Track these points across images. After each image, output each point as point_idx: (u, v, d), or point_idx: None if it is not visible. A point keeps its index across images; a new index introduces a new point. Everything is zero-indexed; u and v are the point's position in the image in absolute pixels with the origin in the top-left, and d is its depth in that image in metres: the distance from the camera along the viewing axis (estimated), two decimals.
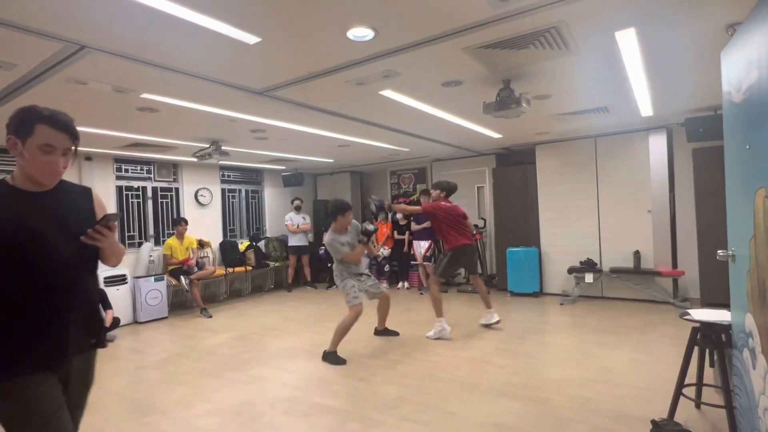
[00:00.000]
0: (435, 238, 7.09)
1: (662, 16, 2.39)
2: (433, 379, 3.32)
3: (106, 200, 5.96)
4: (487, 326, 4.62)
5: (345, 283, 3.99)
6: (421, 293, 6.90)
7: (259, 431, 2.61)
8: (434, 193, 4.94)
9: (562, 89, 3.72)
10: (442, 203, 4.72)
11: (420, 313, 5.57)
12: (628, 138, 5.73)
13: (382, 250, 7.46)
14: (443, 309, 4.44)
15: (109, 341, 4.98)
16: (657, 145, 5.57)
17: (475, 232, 6.87)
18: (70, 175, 6.19)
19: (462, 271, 7.39)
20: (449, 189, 4.89)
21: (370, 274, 4.30)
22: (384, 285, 7.46)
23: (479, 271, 4.88)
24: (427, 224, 6.91)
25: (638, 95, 3.93)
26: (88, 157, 5.87)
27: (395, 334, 4.54)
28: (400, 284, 7.51)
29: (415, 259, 7.18)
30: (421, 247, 6.96)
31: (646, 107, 4.40)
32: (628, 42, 2.69)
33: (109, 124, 4.18)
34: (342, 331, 3.87)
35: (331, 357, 3.81)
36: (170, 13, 2.08)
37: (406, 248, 7.36)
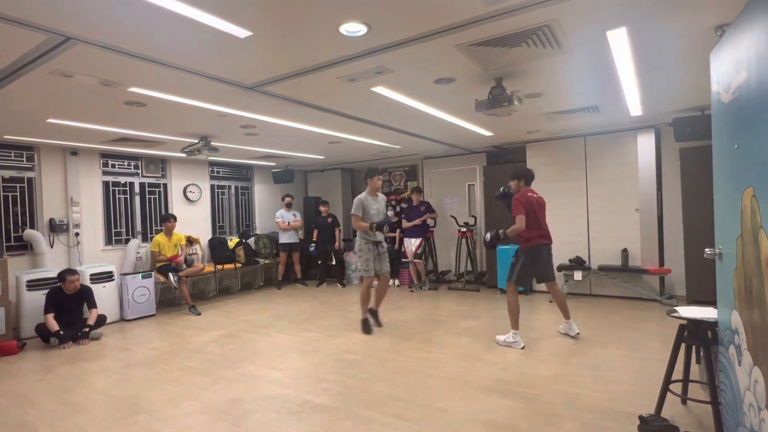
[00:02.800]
0: (425, 236, 7.09)
1: (653, 17, 2.41)
2: (424, 376, 3.32)
3: (93, 196, 5.96)
4: (570, 336, 4.14)
5: (361, 254, 4.42)
6: (412, 290, 6.91)
7: (248, 430, 2.58)
8: (513, 183, 4.22)
9: (554, 88, 3.74)
10: (529, 194, 4.05)
11: (410, 310, 5.58)
12: (617, 137, 5.79)
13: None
14: (519, 320, 3.96)
15: (94, 339, 4.94)
16: (645, 145, 5.64)
17: (465, 230, 6.94)
18: (54, 171, 6.02)
19: (452, 267, 7.42)
20: (528, 176, 4.16)
21: (385, 244, 4.56)
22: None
23: (554, 277, 4.22)
24: (417, 221, 6.93)
25: (628, 95, 3.97)
26: (74, 152, 5.76)
27: (378, 324, 4.61)
28: (390, 281, 7.51)
29: (406, 257, 7.18)
30: (412, 244, 6.97)
31: (635, 107, 4.44)
32: (619, 41, 2.71)
33: (95, 118, 4.09)
34: (362, 299, 4.45)
35: (361, 324, 4.42)
36: (159, 4, 2.04)
37: (396, 245, 7.36)
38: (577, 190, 6.11)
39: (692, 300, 5.28)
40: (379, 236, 4.43)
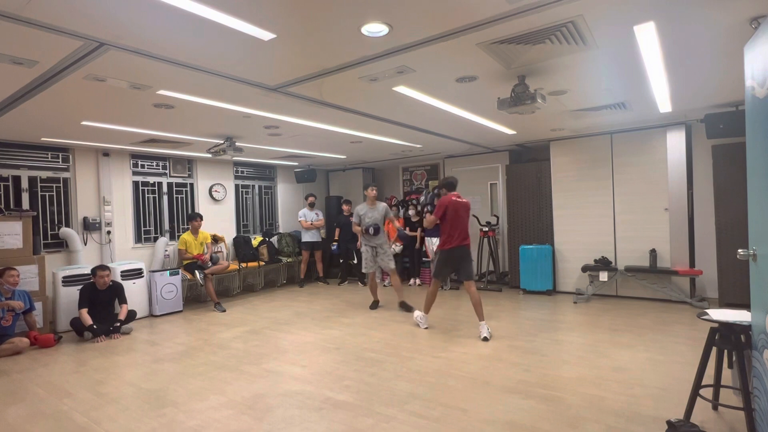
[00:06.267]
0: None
1: (683, 10, 2.34)
2: (445, 375, 3.32)
3: (123, 196, 6.18)
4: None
5: (363, 251, 5.51)
6: None
7: (271, 424, 2.64)
8: (441, 191, 4.76)
9: (579, 85, 3.66)
10: (453, 198, 4.48)
11: (431, 309, 5.55)
12: (645, 134, 5.63)
13: (393, 246, 7.46)
14: (430, 308, 4.70)
15: (125, 333, 5.12)
16: (675, 142, 5.46)
17: (487, 230, 6.87)
18: (87, 171, 6.28)
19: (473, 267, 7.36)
20: (448, 184, 4.63)
21: (386, 248, 5.46)
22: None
23: (472, 277, 4.47)
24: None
25: (656, 91, 3.86)
26: (106, 153, 5.98)
27: (410, 309, 5.30)
28: (411, 281, 7.51)
29: (428, 256, 7.17)
30: (433, 243, 6.92)
31: (664, 103, 4.31)
32: (647, 36, 2.64)
33: (125, 120, 4.24)
34: (370, 288, 5.76)
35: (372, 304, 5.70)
36: (187, 9, 2.10)
37: (418, 245, 7.36)
38: (603, 188, 5.97)
39: (725, 303, 5.10)
40: (375, 242, 5.39)
